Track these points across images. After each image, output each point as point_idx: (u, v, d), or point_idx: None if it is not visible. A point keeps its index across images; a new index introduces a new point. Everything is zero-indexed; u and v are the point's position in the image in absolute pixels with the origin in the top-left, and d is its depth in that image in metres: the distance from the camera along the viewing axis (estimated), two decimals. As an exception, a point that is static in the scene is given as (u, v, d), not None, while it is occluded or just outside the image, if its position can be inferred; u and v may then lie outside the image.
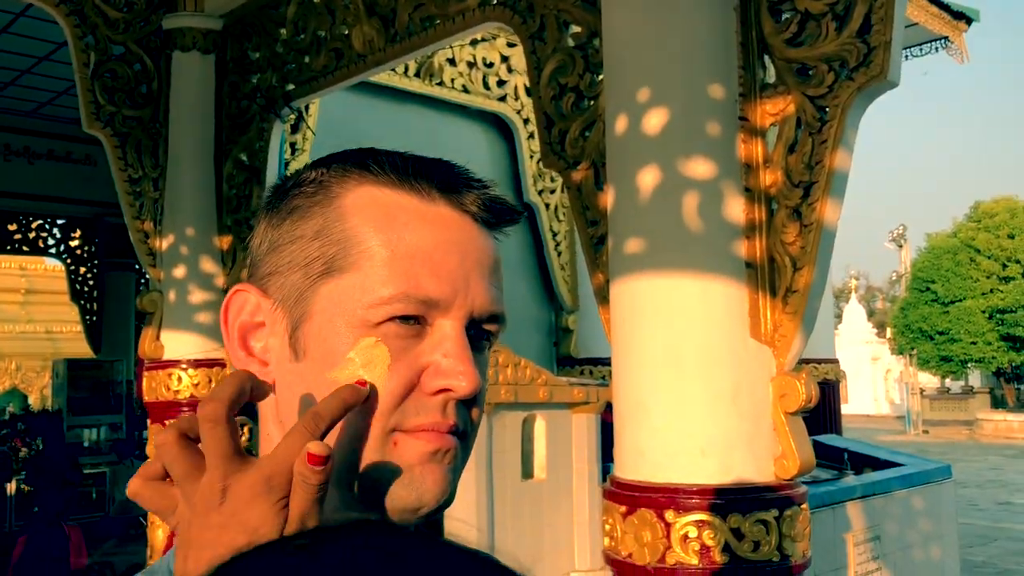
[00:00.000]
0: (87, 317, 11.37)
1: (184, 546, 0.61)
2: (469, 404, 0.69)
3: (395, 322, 0.66)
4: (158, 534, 3.95)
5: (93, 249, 11.37)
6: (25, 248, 11.25)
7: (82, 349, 12.22)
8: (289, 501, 0.60)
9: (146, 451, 4.19)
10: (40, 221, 11.19)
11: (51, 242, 11.35)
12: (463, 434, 0.69)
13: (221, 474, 0.60)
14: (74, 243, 11.40)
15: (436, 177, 0.70)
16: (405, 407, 0.67)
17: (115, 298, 11.20)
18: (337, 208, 0.69)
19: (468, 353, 0.68)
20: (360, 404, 0.64)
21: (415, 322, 0.67)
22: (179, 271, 4.05)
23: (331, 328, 0.67)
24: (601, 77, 2.50)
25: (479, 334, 0.71)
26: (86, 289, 11.39)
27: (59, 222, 11.30)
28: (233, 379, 0.64)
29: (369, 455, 0.66)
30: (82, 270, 11.40)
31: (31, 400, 16.92)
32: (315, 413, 0.62)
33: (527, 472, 4.82)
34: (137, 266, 10.70)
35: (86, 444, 10.34)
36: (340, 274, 0.68)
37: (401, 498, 0.66)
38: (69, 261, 11.41)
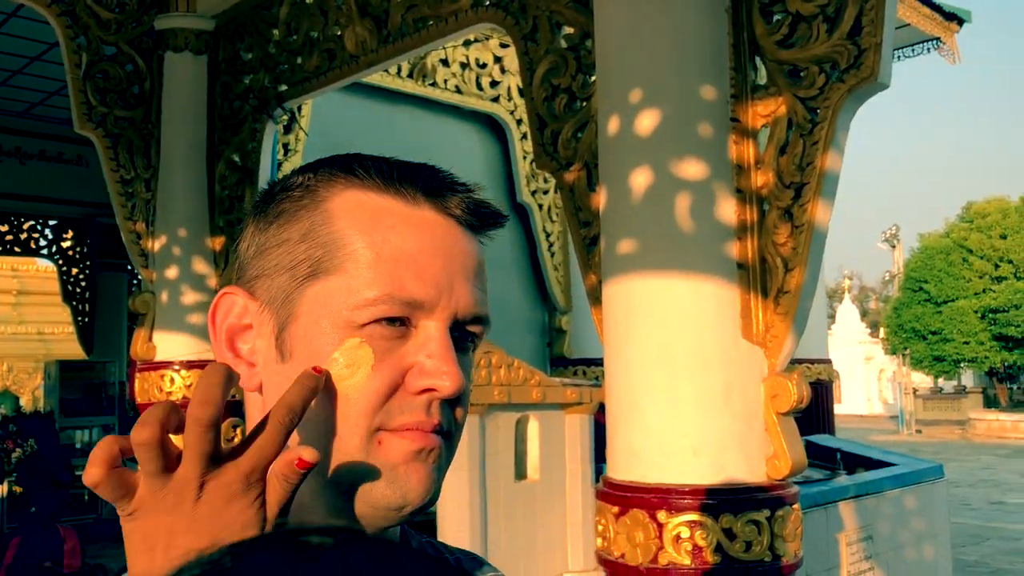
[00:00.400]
0: (79, 318, 11.33)
1: (146, 539, 0.61)
2: (453, 404, 0.70)
3: (380, 324, 0.67)
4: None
5: (85, 250, 11.34)
6: (17, 249, 11.20)
7: (74, 350, 12.18)
8: (265, 496, 0.61)
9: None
10: (32, 222, 11.15)
11: (43, 243, 11.31)
12: (447, 434, 0.70)
13: (199, 472, 0.60)
14: (66, 244, 11.36)
15: (421, 181, 0.71)
16: (390, 407, 0.68)
17: (107, 299, 11.17)
18: (323, 212, 0.70)
19: (452, 354, 0.69)
20: (320, 389, 0.65)
21: (400, 324, 0.68)
22: (171, 272, 4.04)
23: (316, 329, 0.68)
24: (594, 78, 2.50)
25: (463, 336, 0.72)
26: (78, 290, 11.36)
27: (51, 223, 11.26)
28: (219, 377, 0.62)
29: (354, 454, 0.67)
30: (74, 271, 11.36)
31: (23, 402, 16.85)
32: (285, 404, 0.63)
33: (520, 473, 4.82)
34: (129, 267, 10.67)
35: (78, 446, 10.32)
36: (326, 276, 0.69)
37: (386, 496, 0.67)
38: (61, 262, 11.37)
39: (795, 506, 2.22)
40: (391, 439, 0.67)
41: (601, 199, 2.39)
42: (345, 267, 0.68)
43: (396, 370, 0.68)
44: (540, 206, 8.50)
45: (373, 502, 0.67)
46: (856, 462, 6.25)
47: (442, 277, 0.69)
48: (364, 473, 0.67)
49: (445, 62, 7.72)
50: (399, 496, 0.67)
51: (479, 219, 0.73)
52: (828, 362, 11.26)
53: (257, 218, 0.74)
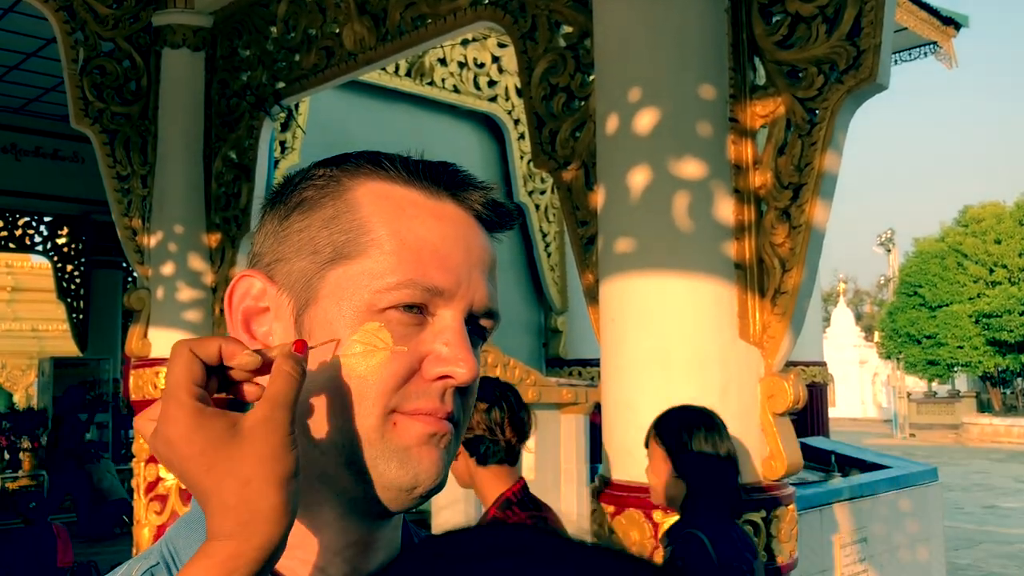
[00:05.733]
0: (73, 315, 11.31)
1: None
2: (464, 393, 0.73)
3: (398, 310, 0.69)
4: (143, 532, 3.94)
5: (80, 247, 11.31)
6: (11, 245, 11.18)
7: (68, 347, 12.16)
8: (270, 389, 0.63)
9: (132, 450, 4.16)
10: (27, 218, 11.12)
11: (38, 239, 11.28)
12: (456, 422, 0.72)
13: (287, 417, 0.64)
14: (61, 240, 11.34)
15: (444, 176, 0.74)
16: (406, 390, 0.69)
17: (102, 296, 11.14)
18: (348, 200, 0.72)
19: (467, 342, 0.71)
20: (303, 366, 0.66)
21: (418, 312, 0.70)
22: (167, 268, 4.03)
23: (337, 311, 0.70)
24: (592, 77, 2.50)
25: (475, 330, 0.74)
26: (73, 287, 11.33)
27: (46, 219, 11.24)
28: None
29: (370, 435, 0.69)
30: (69, 268, 11.33)
31: (16, 399, 16.82)
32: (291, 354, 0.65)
33: (515, 473, 4.82)
34: (124, 264, 10.64)
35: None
36: (348, 261, 0.70)
37: (398, 477, 0.69)
38: (56, 258, 11.35)
39: (791, 507, 2.22)
40: (406, 421, 0.69)
41: (599, 198, 2.39)
42: (368, 252, 0.70)
43: (413, 355, 0.70)
44: (537, 206, 8.50)
45: (385, 482, 0.69)
46: (850, 464, 6.26)
47: (462, 268, 0.71)
48: (378, 454, 0.69)
49: (443, 61, 7.71)
50: (411, 477, 0.69)
51: (496, 215, 0.76)
52: (823, 365, 11.28)
53: (276, 207, 0.76)
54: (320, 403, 0.69)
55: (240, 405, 0.67)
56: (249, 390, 0.67)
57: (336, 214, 0.72)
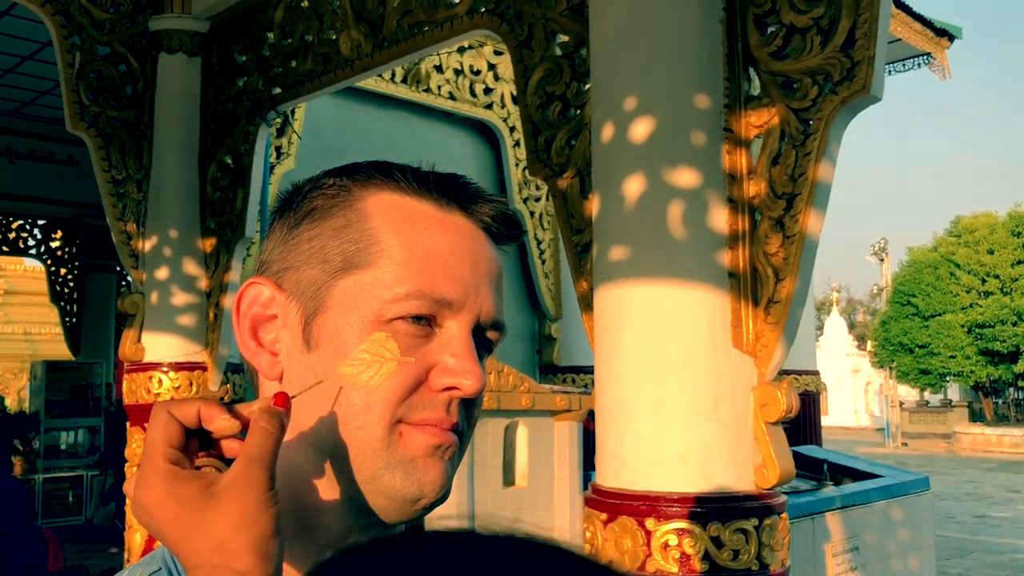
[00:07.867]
0: (67, 319, 11.29)
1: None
2: (469, 405, 0.73)
3: (406, 321, 0.70)
4: (136, 538, 3.92)
5: (74, 250, 11.30)
6: (5, 248, 11.16)
7: (61, 351, 12.12)
8: (249, 447, 0.63)
9: (124, 454, 4.15)
10: (21, 221, 11.11)
11: (31, 243, 11.27)
12: (461, 433, 0.73)
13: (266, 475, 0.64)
14: (55, 244, 11.32)
15: (454, 189, 0.74)
16: (412, 401, 0.70)
17: (95, 300, 11.12)
18: (359, 210, 0.73)
19: (475, 354, 0.71)
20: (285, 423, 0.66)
21: (426, 323, 0.70)
22: (161, 273, 4.03)
23: (345, 320, 0.70)
24: (588, 86, 2.51)
25: (482, 342, 0.74)
26: (66, 290, 11.31)
27: (40, 223, 11.22)
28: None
29: (376, 444, 0.69)
30: (62, 271, 11.32)
31: (8, 402, 16.75)
32: (270, 409, 0.65)
33: (509, 479, 4.82)
34: (118, 268, 10.63)
35: (63, 447, 10.27)
36: (358, 270, 0.71)
37: (403, 488, 0.69)
38: (49, 262, 11.33)
39: (783, 515, 2.23)
40: (412, 432, 0.69)
41: (594, 206, 2.40)
42: (378, 263, 0.70)
43: (420, 366, 0.70)
44: (532, 213, 8.51)
45: (390, 493, 0.69)
46: (843, 473, 6.28)
47: (470, 280, 0.72)
48: (383, 464, 0.69)
49: (439, 68, 7.73)
50: (416, 488, 0.69)
51: (505, 228, 0.76)
52: (816, 374, 11.31)
53: (285, 215, 0.76)
54: (327, 412, 0.69)
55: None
56: (229, 447, 0.65)
57: (347, 223, 0.72)
